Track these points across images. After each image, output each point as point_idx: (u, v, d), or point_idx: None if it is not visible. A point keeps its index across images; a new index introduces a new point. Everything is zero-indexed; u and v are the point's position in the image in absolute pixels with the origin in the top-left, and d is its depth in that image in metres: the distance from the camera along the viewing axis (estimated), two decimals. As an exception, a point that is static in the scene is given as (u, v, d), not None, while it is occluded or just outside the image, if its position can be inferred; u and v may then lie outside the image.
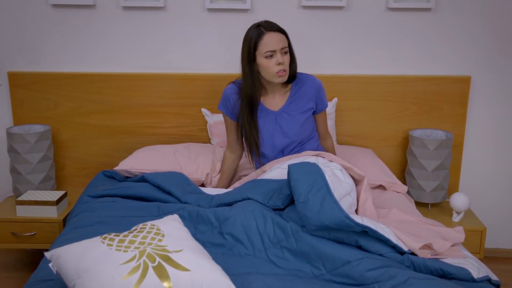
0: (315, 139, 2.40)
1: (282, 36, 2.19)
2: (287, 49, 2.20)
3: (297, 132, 2.29)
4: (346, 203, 2.02)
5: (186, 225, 1.93)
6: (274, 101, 2.32)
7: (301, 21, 2.81)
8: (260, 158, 2.34)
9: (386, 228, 1.80)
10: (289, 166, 1.93)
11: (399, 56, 2.85)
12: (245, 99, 2.26)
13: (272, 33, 2.17)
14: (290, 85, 2.33)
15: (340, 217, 1.70)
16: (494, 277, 1.72)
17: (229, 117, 2.36)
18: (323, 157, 2.21)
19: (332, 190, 1.90)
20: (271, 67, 2.17)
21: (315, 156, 2.21)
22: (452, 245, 1.86)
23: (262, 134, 2.31)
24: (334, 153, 2.49)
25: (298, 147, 2.33)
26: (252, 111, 2.27)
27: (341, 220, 1.70)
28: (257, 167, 2.40)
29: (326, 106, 2.37)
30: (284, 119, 2.30)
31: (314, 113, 2.36)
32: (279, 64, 2.17)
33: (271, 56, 2.17)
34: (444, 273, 1.67)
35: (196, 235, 1.89)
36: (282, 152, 2.33)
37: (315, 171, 1.90)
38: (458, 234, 1.93)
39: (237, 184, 2.33)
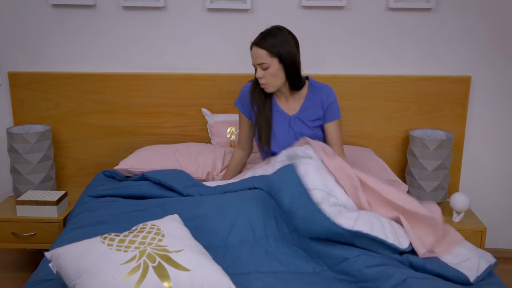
0: None
1: (261, 52, 2.21)
2: (266, 65, 2.21)
3: (311, 137, 2.32)
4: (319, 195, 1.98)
5: (187, 212, 1.94)
6: (288, 106, 2.37)
7: (301, 21, 2.81)
8: (270, 152, 2.38)
9: (386, 223, 1.78)
10: (270, 179, 1.97)
11: (399, 56, 2.85)
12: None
13: (254, 48, 2.24)
14: (305, 92, 2.36)
15: (326, 225, 1.68)
16: (492, 260, 1.76)
17: (244, 114, 2.43)
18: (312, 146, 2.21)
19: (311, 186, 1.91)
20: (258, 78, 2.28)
21: (306, 144, 2.22)
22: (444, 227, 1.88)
23: (276, 134, 2.35)
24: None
25: None
26: (263, 107, 2.34)
27: (328, 228, 1.68)
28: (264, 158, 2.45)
29: (335, 117, 2.36)
30: (297, 125, 2.34)
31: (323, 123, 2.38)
32: (259, 77, 2.25)
33: (256, 68, 2.26)
34: (442, 276, 1.67)
35: (195, 219, 1.90)
36: None
37: (293, 179, 1.90)
38: (457, 235, 1.91)
39: (237, 179, 2.34)
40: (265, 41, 2.22)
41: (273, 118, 2.36)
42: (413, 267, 1.70)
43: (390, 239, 1.74)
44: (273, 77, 2.24)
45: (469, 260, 1.75)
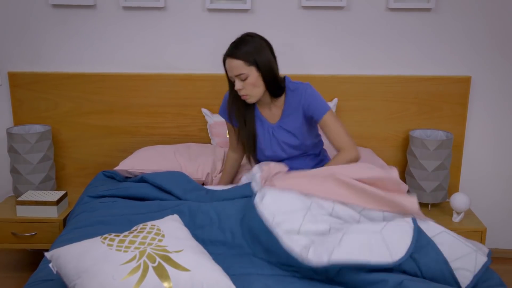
0: (318, 146, 2.37)
1: (237, 63, 2.09)
2: (244, 76, 2.10)
3: (295, 146, 2.28)
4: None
5: (185, 220, 1.93)
6: (271, 114, 2.29)
7: (301, 21, 2.81)
8: (256, 161, 2.35)
9: (377, 235, 1.65)
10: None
11: (399, 56, 2.85)
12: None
13: (228, 60, 2.13)
14: (283, 98, 2.25)
15: (303, 266, 1.66)
16: (484, 249, 1.72)
17: (229, 123, 2.36)
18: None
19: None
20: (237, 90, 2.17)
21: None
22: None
23: (261, 144, 2.30)
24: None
25: (299, 157, 2.32)
26: (245, 116, 2.27)
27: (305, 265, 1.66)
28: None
29: (322, 112, 2.18)
30: (281, 134, 2.26)
31: (316, 121, 2.26)
32: (238, 89, 2.14)
33: (234, 80, 2.16)
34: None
35: (195, 231, 1.89)
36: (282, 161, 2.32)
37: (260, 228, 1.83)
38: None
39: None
40: (238, 50, 2.09)
41: (256, 128, 2.28)
42: (406, 273, 1.68)
43: (376, 255, 1.61)
44: (253, 86, 2.13)
45: (466, 256, 1.66)
